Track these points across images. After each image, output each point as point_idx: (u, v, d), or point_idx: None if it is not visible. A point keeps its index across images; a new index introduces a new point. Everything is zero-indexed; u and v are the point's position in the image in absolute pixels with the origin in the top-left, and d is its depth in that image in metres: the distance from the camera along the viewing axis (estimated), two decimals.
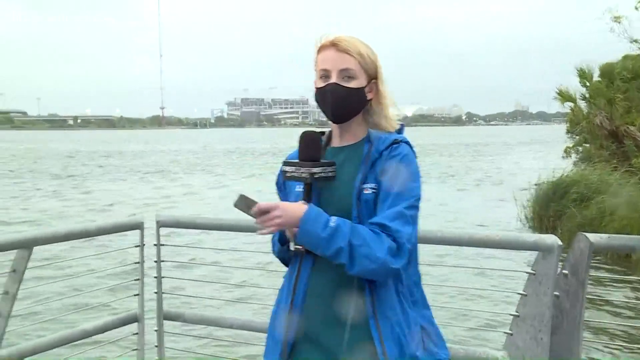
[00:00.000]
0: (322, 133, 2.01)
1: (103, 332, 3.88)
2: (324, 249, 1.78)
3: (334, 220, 1.79)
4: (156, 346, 3.99)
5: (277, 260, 2.12)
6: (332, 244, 1.76)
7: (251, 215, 1.79)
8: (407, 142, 1.93)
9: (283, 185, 2.06)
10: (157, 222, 3.89)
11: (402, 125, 1.99)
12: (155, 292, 3.96)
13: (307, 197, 1.89)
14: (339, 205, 1.88)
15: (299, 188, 1.93)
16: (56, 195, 22.73)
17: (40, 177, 29.97)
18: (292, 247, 1.89)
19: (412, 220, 1.83)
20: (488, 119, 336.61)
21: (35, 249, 3.23)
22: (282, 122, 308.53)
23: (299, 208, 1.80)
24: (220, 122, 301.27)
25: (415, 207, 1.84)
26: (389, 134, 1.94)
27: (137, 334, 3.94)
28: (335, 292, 1.86)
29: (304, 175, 1.87)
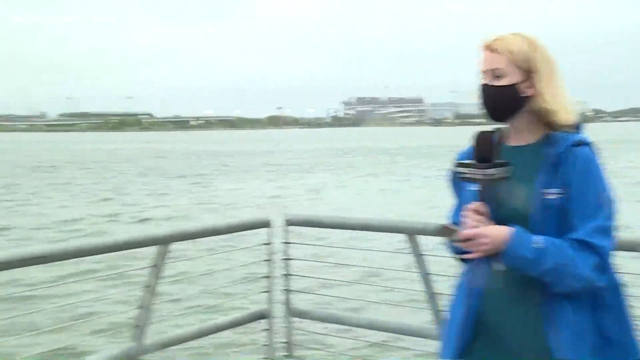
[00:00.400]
0: (495, 131, 1.95)
1: (233, 327, 4.02)
2: (531, 270, 1.78)
3: (539, 241, 1.77)
4: (285, 342, 4.06)
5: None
6: (539, 266, 1.76)
7: (456, 242, 1.85)
8: (589, 143, 1.84)
9: (456, 186, 2.04)
10: (286, 221, 3.97)
11: (580, 123, 1.89)
12: (284, 289, 4.03)
13: (482, 198, 1.86)
14: (515, 207, 1.84)
15: (473, 188, 1.90)
16: (187, 193, 23.74)
17: (170, 176, 31.49)
18: (495, 267, 1.86)
19: (611, 231, 1.80)
20: (617, 115, 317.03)
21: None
22: (397, 120, 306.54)
23: (503, 231, 1.79)
24: (336, 121, 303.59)
25: (611, 216, 1.81)
26: (568, 135, 1.85)
27: (266, 329, 4.03)
28: (513, 293, 1.86)
29: (479, 176, 1.84)
